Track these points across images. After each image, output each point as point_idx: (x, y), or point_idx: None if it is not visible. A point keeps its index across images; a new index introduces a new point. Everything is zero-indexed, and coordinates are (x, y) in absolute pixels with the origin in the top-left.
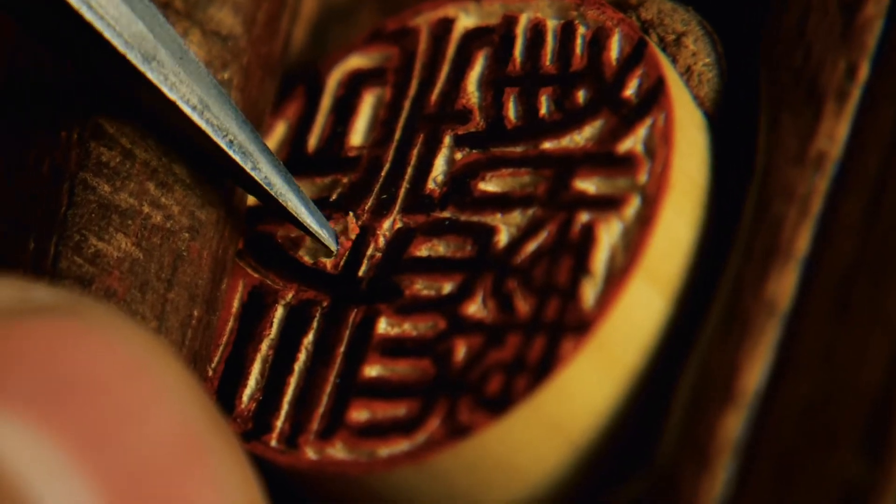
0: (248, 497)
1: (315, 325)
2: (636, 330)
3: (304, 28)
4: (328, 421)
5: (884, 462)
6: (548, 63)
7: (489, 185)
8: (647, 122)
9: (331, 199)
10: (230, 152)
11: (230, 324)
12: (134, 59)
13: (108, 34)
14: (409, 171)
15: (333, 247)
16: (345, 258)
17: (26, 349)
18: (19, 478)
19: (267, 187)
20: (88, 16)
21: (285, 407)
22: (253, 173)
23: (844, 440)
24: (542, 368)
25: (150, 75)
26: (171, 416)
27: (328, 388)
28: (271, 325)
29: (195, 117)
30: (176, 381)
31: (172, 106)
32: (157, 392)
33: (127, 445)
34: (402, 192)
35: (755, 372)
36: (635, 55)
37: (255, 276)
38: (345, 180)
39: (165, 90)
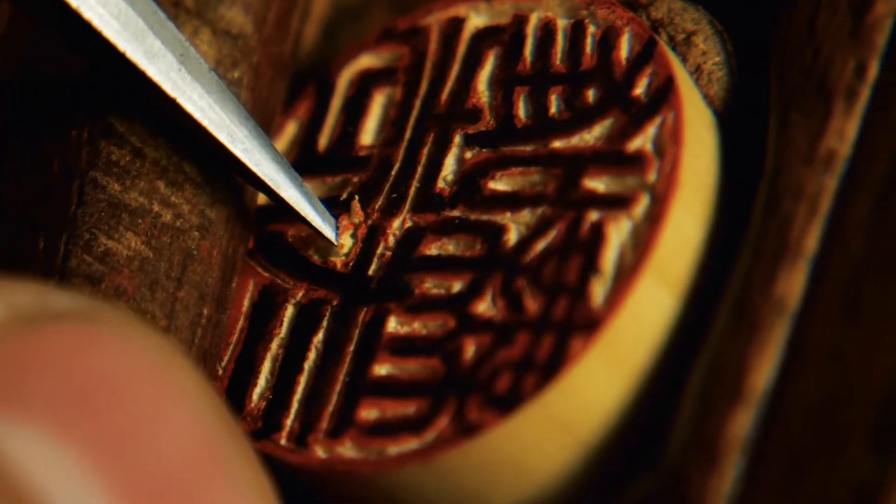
0: (263, 499)
1: (325, 323)
2: (645, 328)
3: (315, 27)
4: (338, 420)
5: (894, 459)
6: (558, 62)
7: (499, 184)
8: (657, 120)
9: (341, 199)
10: (232, 149)
11: (240, 322)
12: (133, 56)
13: (107, 32)
14: (420, 170)
15: (336, 241)
16: (355, 257)
17: (43, 355)
18: (36, 485)
19: (270, 183)
20: (88, 14)
21: (295, 406)
22: (255, 169)
23: (854, 438)
24: (551, 367)
25: (150, 72)
26: (188, 421)
27: (338, 387)
28: (281, 324)
29: (197, 115)
30: (192, 386)
31: (173, 103)
32: (175, 397)
33: (145, 451)
34: (412, 191)
35: (764, 370)
36: (645, 54)
37: (266, 274)
38: (355, 179)
39: (167, 88)
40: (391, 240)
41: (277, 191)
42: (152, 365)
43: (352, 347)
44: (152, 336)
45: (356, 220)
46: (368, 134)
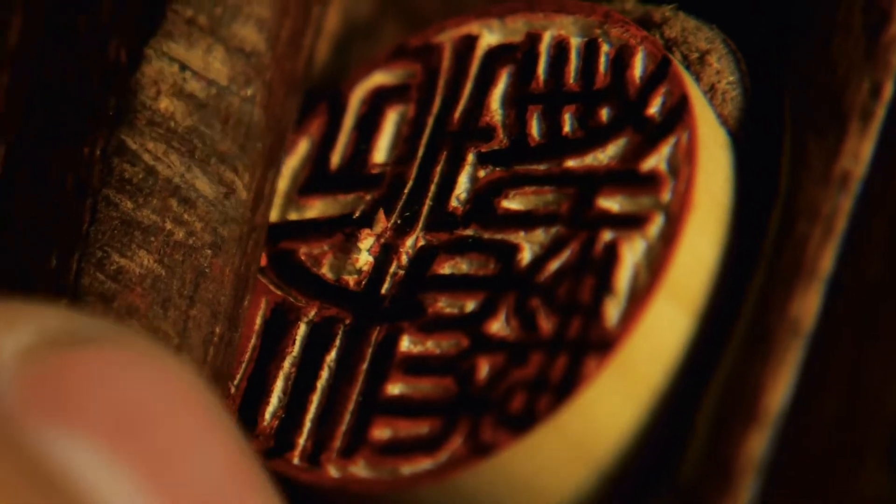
0: None
1: (337, 342)
2: (659, 349)
3: (327, 44)
4: (350, 439)
5: None
6: (571, 81)
7: (512, 203)
8: (671, 140)
9: (354, 217)
10: None
11: (252, 341)
12: None
13: None
14: (433, 188)
15: None
16: (368, 276)
17: (85, 376)
18: (95, 495)
19: None
20: None
21: (308, 425)
22: None
23: (870, 460)
24: (565, 387)
25: None
26: (221, 443)
27: (350, 406)
28: (294, 343)
29: None
30: (217, 410)
31: None
32: (211, 419)
33: (188, 470)
34: (425, 209)
35: (779, 391)
36: (659, 73)
37: (278, 293)
38: (368, 197)
39: None
40: (404, 258)
41: None
42: (186, 388)
43: (365, 366)
44: (177, 360)
45: (378, 231)
46: (381, 152)
